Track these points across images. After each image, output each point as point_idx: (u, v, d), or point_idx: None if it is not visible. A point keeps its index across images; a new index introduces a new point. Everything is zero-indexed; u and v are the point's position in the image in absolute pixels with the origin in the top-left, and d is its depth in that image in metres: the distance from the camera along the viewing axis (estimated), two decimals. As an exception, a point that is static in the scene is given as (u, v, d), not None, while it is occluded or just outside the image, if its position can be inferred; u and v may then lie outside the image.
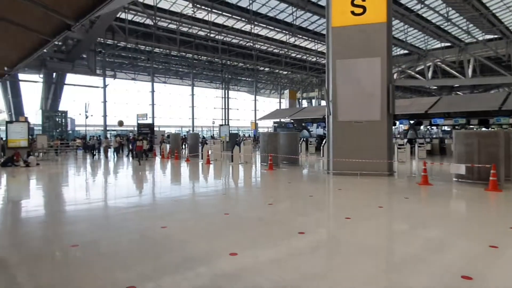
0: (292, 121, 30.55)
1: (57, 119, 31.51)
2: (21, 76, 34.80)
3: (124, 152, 24.66)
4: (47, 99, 33.99)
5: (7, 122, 19.65)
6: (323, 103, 53.09)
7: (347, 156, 12.98)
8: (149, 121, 35.23)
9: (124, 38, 33.67)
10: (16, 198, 10.03)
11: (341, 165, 13.16)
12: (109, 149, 22.85)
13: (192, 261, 4.78)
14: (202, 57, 43.11)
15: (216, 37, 39.28)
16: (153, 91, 40.97)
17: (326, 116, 14.32)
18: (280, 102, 53.83)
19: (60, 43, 33.28)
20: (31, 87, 35.19)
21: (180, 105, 45.82)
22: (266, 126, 51.48)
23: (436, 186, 10.70)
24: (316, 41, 41.05)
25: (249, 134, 43.35)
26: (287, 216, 7.35)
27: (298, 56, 47.32)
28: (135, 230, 6.28)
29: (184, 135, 33.19)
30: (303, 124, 30.24)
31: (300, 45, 44.24)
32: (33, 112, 34.27)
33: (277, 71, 51.30)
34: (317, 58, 46.83)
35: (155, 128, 33.22)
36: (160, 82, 44.97)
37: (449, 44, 38.40)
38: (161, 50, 39.96)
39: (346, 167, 13.02)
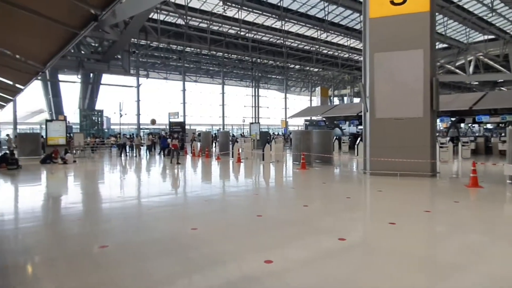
0: (323, 119, 29.70)
1: (93, 118, 32.44)
2: (60, 77, 36.21)
3: (156, 150, 24.90)
4: (84, 99, 35.14)
5: (46, 121, 20.34)
6: (356, 100, 51.58)
7: (385, 156, 12.20)
8: (181, 119, 35.54)
9: (156, 38, 34.14)
10: (54, 194, 10.13)
11: (378, 165, 12.40)
12: (141, 147, 23.16)
13: (223, 266, 4.40)
14: (232, 55, 43.02)
15: (246, 35, 39.00)
16: (184, 90, 41.33)
17: (362, 113, 13.57)
18: (311, 100, 52.80)
19: (96, 45, 34.32)
20: (70, 87, 36.53)
21: (210, 103, 46.01)
22: (296, 124, 50.71)
23: (487, 188, 9.75)
24: (348, 36, 39.80)
25: (279, 133, 42.79)
26: (325, 219, 6.82)
27: (329, 52, 46.13)
28: (165, 231, 6.01)
29: (215, 133, 33.18)
30: (335, 122, 29.32)
31: (332, 41, 43.08)
32: (72, 111, 35.51)
33: (307, 68, 50.33)
34: (350, 54, 45.44)
35: (186, 127, 33.43)
36: (191, 81, 45.32)
37: (493, 36, 35.93)
38: (192, 49, 40.25)
39: (384, 167, 12.25)
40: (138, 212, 7.60)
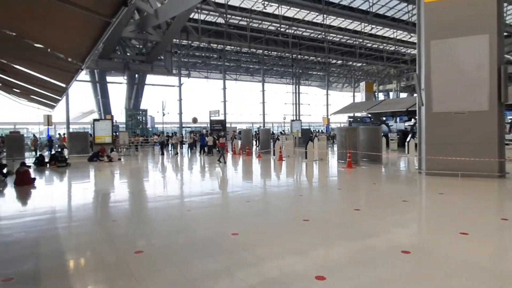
0: (369, 115, 28.16)
1: (138, 117, 33.34)
2: (108, 78, 37.69)
3: (197, 148, 24.91)
4: (130, 99, 36.26)
5: (94, 120, 20.98)
6: (403, 95, 48.81)
7: (444, 154, 10.96)
8: (221, 117, 35.54)
9: (197, 38, 34.41)
10: (95, 192, 10.09)
11: (436, 164, 11.18)
12: (179, 145, 23.33)
13: (267, 283, 3.78)
14: (272, 52, 42.39)
15: (287, 31, 38.19)
16: (224, 88, 41.36)
17: (416, 108, 12.34)
18: (354, 96, 50.80)
19: (140, 46, 35.23)
20: (117, 89, 37.89)
21: (250, 101, 45.76)
22: (338, 121, 49.04)
23: None
24: (395, 28, 37.65)
25: (321, 130, 41.50)
26: (381, 226, 5.97)
27: (374, 46, 44.03)
28: (204, 235, 5.51)
29: (256, 131, 32.73)
30: (381, 118, 27.68)
31: (377, 34, 41.03)
32: (119, 111, 36.78)
33: (350, 63, 48.47)
34: (396, 47, 43.10)
35: (227, 125, 33.35)
36: (231, 79, 45.32)
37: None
38: (232, 47, 40.17)
39: (442, 166, 11.01)
40: (178, 213, 7.20)
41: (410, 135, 19.22)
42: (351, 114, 30.45)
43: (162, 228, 6.11)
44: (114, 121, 36.02)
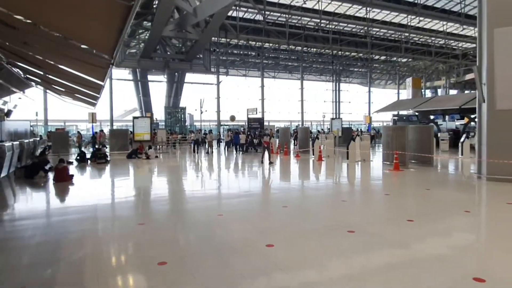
0: (415, 113, 26.27)
1: (177, 115, 33.69)
2: (149, 77, 38.54)
3: (233, 146, 24.56)
4: (170, 97, 36.82)
5: (134, 118, 21.23)
6: (452, 92, 45.54)
7: (508, 157, 9.58)
8: (259, 115, 35.02)
9: (235, 35, 34.12)
10: (130, 190, 9.87)
11: (499, 168, 9.81)
12: (215, 143, 22.92)
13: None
14: (312, 49, 41.17)
15: (327, 26, 36.86)
16: (262, 86, 40.87)
17: (476, 105, 10.95)
18: (398, 93, 48.17)
19: (179, 45, 35.56)
20: (158, 87, 38.57)
21: (289, 99, 44.82)
22: (381, 120, 46.81)
23: None
24: (444, 20, 35.03)
25: (361, 129, 39.63)
26: (446, 244, 5.02)
27: (421, 40, 41.40)
28: (235, 247, 4.89)
29: (294, 129, 31.81)
30: (429, 116, 25.71)
31: (424, 27, 38.48)
32: (159, 109, 37.46)
33: (394, 59, 45.96)
34: (446, 40, 40.19)
35: (265, 123, 32.78)
36: (270, 77, 44.66)
37: None
38: (271, 44, 39.48)
39: (507, 171, 9.63)
40: (207, 218, 6.65)
41: (464, 135, 17.47)
42: (396, 112, 28.62)
43: (187, 235, 5.59)
44: (154, 119, 36.81)
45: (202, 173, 13.32)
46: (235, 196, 8.74)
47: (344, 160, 16.40)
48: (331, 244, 5.02)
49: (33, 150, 16.62)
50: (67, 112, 35.76)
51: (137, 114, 37.28)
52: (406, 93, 32.66)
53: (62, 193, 9.44)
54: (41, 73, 11.51)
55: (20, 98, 17.31)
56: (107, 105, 34.12)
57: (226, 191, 9.62)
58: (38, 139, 17.99)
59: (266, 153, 15.59)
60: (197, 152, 21.15)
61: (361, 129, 37.20)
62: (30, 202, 8.65)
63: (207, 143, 22.40)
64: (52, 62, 8.96)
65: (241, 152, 21.28)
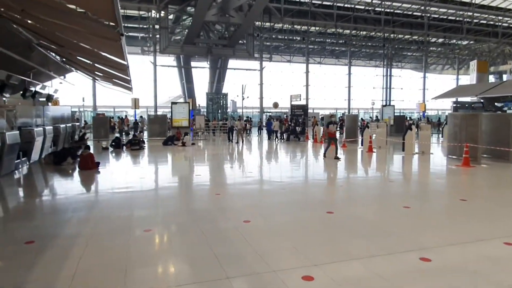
0: (481, 100, 22.75)
1: (219, 101, 32.65)
2: (193, 63, 37.87)
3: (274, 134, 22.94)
4: (212, 83, 35.89)
5: (172, 103, 20.33)
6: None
7: None
8: (303, 102, 32.94)
9: (279, 19, 32.10)
10: (152, 183, 8.69)
11: None
12: (244, 132, 21.19)
13: None
14: (361, 32, 37.87)
15: (378, 6, 33.47)
16: (307, 72, 38.52)
17: None
18: (457, 79, 43.13)
19: (222, 30, 34.27)
20: (201, 74, 37.77)
21: (335, 85, 41.97)
22: (436, 108, 42.49)
23: None
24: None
25: (420, 117, 35.82)
26: None
27: (485, 20, 36.38)
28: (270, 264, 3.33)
29: (340, 117, 29.34)
30: (498, 104, 22.13)
31: (490, 5, 33.67)
32: (203, 95, 36.73)
33: (454, 41, 41.07)
34: (516, 19, 34.91)
35: (309, 110, 30.66)
36: (315, 62, 42.08)
37: None
38: (317, 28, 36.89)
39: None
40: (233, 225, 5.15)
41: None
42: (456, 99, 25.13)
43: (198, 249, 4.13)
44: (197, 105, 36.14)
45: (238, 165, 11.89)
46: (265, 195, 7.18)
47: (398, 151, 14.15)
48: (401, 271, 3.29)
49: (72, 135, 16.25)
50: (116, 98, 36.14)
51: (181, 101, 36.91)
52: (469, 78, 28.66)
53: (83, 181, 8.49)
54: (62, 51, 10.66)
55: (61, 83, 16.99)
56: (151, 92, 33.97)
57: (257, 189, 8.08)
58: (77, 124, 17.71)
59: (328, 146, 12.42)
60: (231, 141, 19.32)
61: (419, 117, 33.62)
62: (43, 191, 7.76)
63: (235, 132, 19.38)
64: (64, 37, 7.91)
65: (282, 140, 19.62)
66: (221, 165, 11.56)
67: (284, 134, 20.09)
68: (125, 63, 8.74)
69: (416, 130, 15.44)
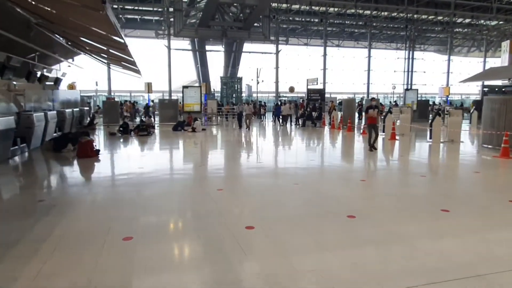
0: (513, 83, 20.72)
1: (234, 85, 31.45)
2: (207, 47, 36.65)
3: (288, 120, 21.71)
4: (227, 67, 34.67)
5: (183, 87, 19.34)
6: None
7: None
8: (320, 86, 31.38)
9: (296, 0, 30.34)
10: (150, 177, 7.77)
11: None
12: (254, 116, 19.98)
13: None
14: (382, 12, 35.52)
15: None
16: (325, 55, 36.68)
17: None
18: (484, 62, 40.20)
19: (238, 12, 32.75)
20: (216, 57, 36.55)
21: (354, 69, 39.94)
22: (460, 92, 39.96)
23: None
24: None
25: (450, 102, 33.47)
26: None
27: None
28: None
29: (359, 101, 27.66)
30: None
31: (525, -20, 30.70)
32: (218, 80, 35.63)
33: (482, 21, 38.08)
34: (555, -5, 31.76)
35: (326, 95, 29.09)
36: (333, 45, 40.06)
37: None
38: (336, 9, 34.80)
39: None
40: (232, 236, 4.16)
41: None
42: (485, 83, 23.08)
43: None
44: (212, 89, 35.06)
45: (245, 155, 10.87)
46: (274, 198, 6.14)
47: (423, 139, 12.77)
48: None
49: (81, 120, 15.57)
50: (131, 83, 35.48)
51: (196, 85, 35.92)
52: (499, 61, 26.29)
53: (75, 172, 7.67)
54: (65, 33, 9.74)
55: (69, 66, 16.24)
56: (166, 76, 33.10)
57: (261, 192, 7.04)
58: (86, 108, 17.01)
59: (370, 136, 10.08)
60: (241, 127, 17.38)
61: (441, 102, 31.47)
62: (25, 185, 6.97)
63: (244, 117, 17.29)
64: (52, 11, 6.95)
65: (297, 126, 18.43)
66: (228, 155, 10.55)
67: (300, 120, 18.88)
68: (122, 40, 7.73)
69: (442, 115, 13.96)
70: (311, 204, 5.26)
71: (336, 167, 8.53)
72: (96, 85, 26.71)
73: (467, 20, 37.99)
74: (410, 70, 37.92)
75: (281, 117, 18.91)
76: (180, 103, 19.73)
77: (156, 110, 20.37)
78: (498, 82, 22.71)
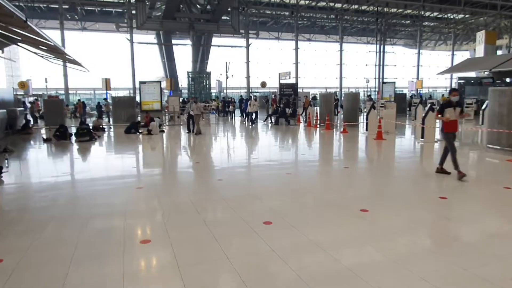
0: (490, 75, 19.38)
1: (202, 81, 28.60)
2: (174, 41, 33.55)
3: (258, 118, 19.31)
4: (196, 62, 31.72)
5: (140, 83, 16.41)
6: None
7: None
8: (292, 81, 29.23)
9: (267, -11, 27.86)
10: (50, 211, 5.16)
11: None
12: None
13: None
14: (353, 5, 33.75)
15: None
16: (296, 48, 34.45)
17: None
18: (452, 55, 39.38)
19: (205, 3, 29.84)
20: (184, 51, 33.60)
21: (326, 63, 38.15)
22: (434, 85, 39.14)
23: None
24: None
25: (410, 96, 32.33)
26: None
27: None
28: None
29: (337, 96, 25.41)
30: (505, 79, 18.84)
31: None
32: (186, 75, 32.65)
33: (449, 15, 37.18)
34: (519, -12, 31.14)
35: (299, 90, 26.90)
36: (304, 39, 38.01)
37: None
38: (307, 1, 32.64)
39: None
40: None
41: None
42: (460, 76, 21.70)
43: None
44: (180, 85, 32.04)
45: (199, 168, 8.37)
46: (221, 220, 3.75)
47: (409, 138, 10.83)
48: None
49: (12, 124, 12.46)
50: (93, 81, 31.72)
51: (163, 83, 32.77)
52: (467, 54, 25.09)
53: None
54: None
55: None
56: (128, 72, 29.69)
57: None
58: (21, 109, 13.88)
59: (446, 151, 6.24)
60: (190, 131, 13.05)
61: (412, 95, 29.98)
62: None
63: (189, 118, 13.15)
64: None
65: (270, 124, 16.11)
66: (172, 169, 8.02)
67: (273, 117, 16.56)
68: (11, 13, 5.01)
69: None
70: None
71: (331, 192, 6.22)
72: (46, 82, 23.10)
73: (435, 14, 37.00)
74: (381, 63, 36.54)
75: (247, 114, 16.43)
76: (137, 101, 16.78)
77: (109, 110, 17.24)
78: (472, 74, 21.40)
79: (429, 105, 9.75)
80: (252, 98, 17.26)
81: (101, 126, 13.91)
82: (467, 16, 36.63)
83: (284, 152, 9.47)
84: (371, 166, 7.61)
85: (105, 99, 19.97)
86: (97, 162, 8.40)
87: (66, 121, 15.24)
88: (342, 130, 12.79)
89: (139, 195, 5.25)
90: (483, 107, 13.52)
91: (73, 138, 11.25)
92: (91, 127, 12.11)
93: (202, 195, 5.32)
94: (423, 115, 9.84)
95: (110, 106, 17.24)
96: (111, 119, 17.08)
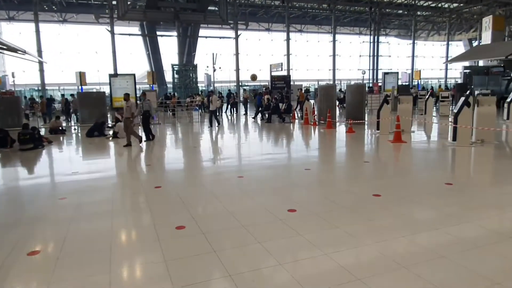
0: (502, 64, 17.09)
1: (188, 74, 25.73)
2: (159, 32, 30.51)
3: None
4: (182, 54, 28.74)
5: (110, 76, 13.62)
6: None
7: None
8: (284, 73, 26.61)
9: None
10: None
11: None
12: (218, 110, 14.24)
13: None
14: (346, -6, 31.05)
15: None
16: (288, 39, 31.75)
17: None
18: (448, 44, 36.94)
19: (191, -9, 26.81)
20: (170, 43, 30.58)
21: (319, 54, 35.51)
22: (428, 77, 36.90)
23: None
24: None
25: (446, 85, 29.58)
26: None
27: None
28: None
29: (341, 89, 22.44)
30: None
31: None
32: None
33: (443, 4, 34.74)
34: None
35: (291, 82, 24.32)
36: (296, 30, 35.27)
37: None
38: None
39: None
40: None
41: None
42: (466, 65, 19.35)
43: None
44: (165, 79, 29.09)
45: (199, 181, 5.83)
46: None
47: (434, 140, 8.43)
48: None
49: None
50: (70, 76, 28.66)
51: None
52: (461, 43, 22.73)
53: None
54: None
55: None
56: (110, 66, 26.67)
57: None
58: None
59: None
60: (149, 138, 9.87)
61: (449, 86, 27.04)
62: None
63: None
64: None
65: (263, 121, 13.57)
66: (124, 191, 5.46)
67: (265, 114, 14.02)
68: None
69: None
70: None
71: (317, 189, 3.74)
72: (13, 76, 20.07)
73: (430, 2, 34.55)
74: (376, 54, 34.04)
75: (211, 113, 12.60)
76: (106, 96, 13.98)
77: (77, 107, 14.33)
78: (481, 63, 19.13)
79: (464, 98, 7.30)
80: (214, 94, 13.74)
81: (60, 128, 11.18)
82: (461, 5, 34.23)
83: (278, 164, 6.96)
84: (408, 193, 5.14)
85: (72, 95, 17.06)
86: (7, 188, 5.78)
87: (31, 122, 12.48)
88: (347, 129, 10.30)
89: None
90: (509, 99, 11.21)
91: (17, 144, 8.57)
92: (40, 131, 9.40)
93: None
94: (458, 110, 7.39)
95: (76, 103, 14.42)
96: (79, 119, 14.29)
